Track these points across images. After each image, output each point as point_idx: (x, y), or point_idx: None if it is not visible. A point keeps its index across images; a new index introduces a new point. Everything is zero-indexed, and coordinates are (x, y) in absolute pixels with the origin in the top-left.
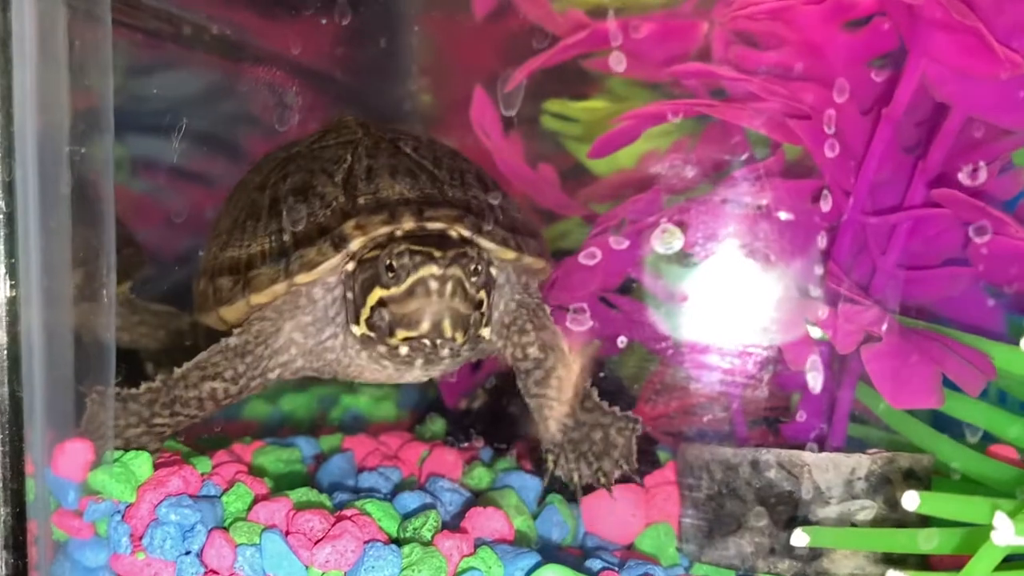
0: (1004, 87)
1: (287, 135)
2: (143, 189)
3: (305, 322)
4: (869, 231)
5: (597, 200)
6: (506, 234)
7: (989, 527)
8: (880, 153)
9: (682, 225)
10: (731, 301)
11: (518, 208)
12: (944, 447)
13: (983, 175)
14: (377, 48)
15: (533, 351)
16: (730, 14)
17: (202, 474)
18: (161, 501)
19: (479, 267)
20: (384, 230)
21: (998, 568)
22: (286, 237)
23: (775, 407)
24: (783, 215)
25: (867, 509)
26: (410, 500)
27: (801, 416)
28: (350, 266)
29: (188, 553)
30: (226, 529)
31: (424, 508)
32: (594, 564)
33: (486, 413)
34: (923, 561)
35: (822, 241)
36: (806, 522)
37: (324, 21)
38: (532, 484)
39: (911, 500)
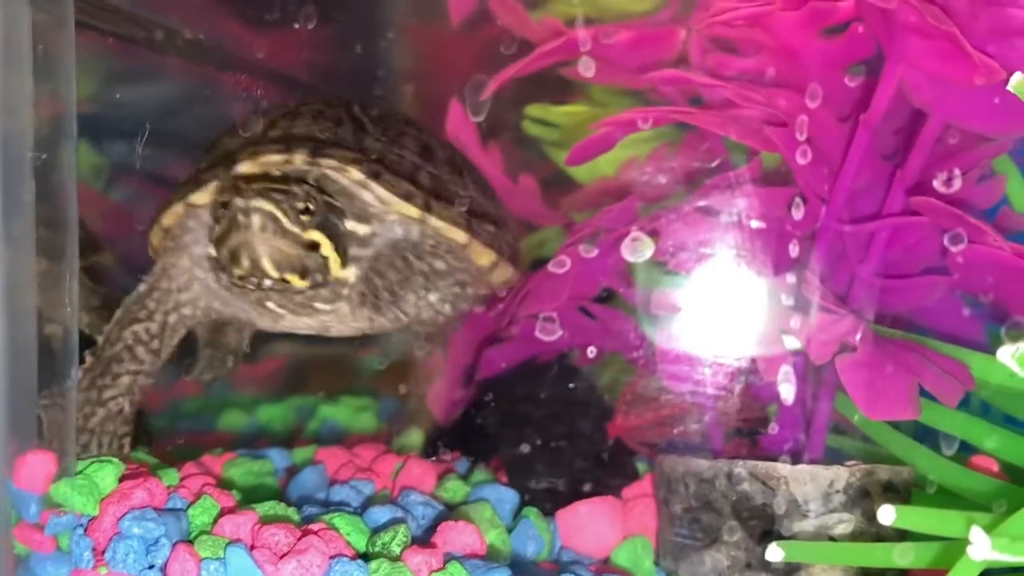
0: (981, 93)
1: None
2: (116, 196)
3: (198, 254)
4: (847, 239)
5: (578, 208)
6: (415, 190)
7: (966, 541)
8: (858, 160)
9: (656, 234)
10: (706, 311)
11: (488, 196)
12: (924, 459)
13: (958, 183)
14: (355, 56)
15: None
16: (707, 20)
17: (168, 487)
18: (124, 514)
19: (309, 205)
20: (275, 158)
21: None
22: (202, 164)
23: (752, 418)
24: (758, 223)
25: (845, 523)
26: (380, 514)
27: (776, 428)
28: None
29: (152, 567)
30: (191, 543)
31: (394, 522)
32: None
33: (462, 425)
34: (902, 574)
35: (797, 250)
36: (783, 536)
37: (298, 27)
38: (508, 497)
39: (887, 514)
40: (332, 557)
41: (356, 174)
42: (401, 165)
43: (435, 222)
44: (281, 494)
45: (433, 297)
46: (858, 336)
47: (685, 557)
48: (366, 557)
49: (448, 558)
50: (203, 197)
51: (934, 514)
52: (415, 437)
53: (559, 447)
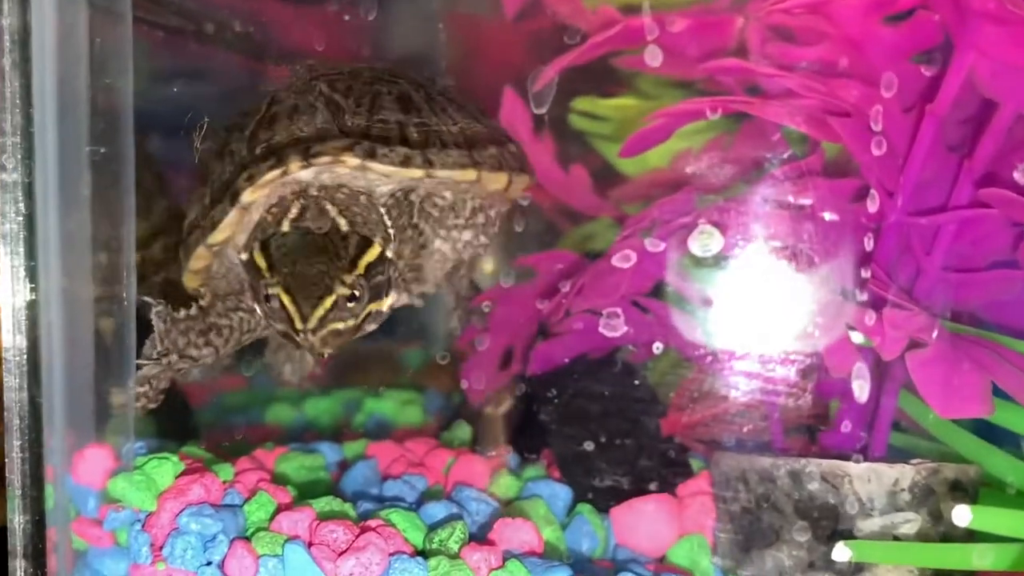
0: None
1: None
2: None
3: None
4: (913, 232)
5: (627, 201)
6: (411, 152)
7: None
8: (924, 151)
9: (716, 226)
10: (768, 305)
11: (479, 116)
12: (991, 457)
13: None
14: (403, 47)
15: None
16: (766, 8)
17: (224, 482)
18: (182, 510)
19: (356, 292)
20: (272, 175)
21: None
22: (207, 201)
23: (813, 415)
24: (822, 216)
25: (911, 522)
26: (436, 510)
27: (846, 426)
28: (243, 256)
29: (209, 564)
30: (248, 539)
31: (451, 519)
32: None
33: (515, 420)
34: None
35: (864, 243)
36: (847, 535)
37: (348, 18)
38: (561, 493)
39: (962, 515)
40: (391, 554)
41: (352, 160)
42: (388, 131)
43: (441, 173)
44: (335, 489)
45: (467, 235)
46: (934, 333)
47: (745, 556)
48: (423, 554)
49: (507, 556)
50: (219, 236)
51: (1013, 515)
52: (463, 430)
53: (613, 443)
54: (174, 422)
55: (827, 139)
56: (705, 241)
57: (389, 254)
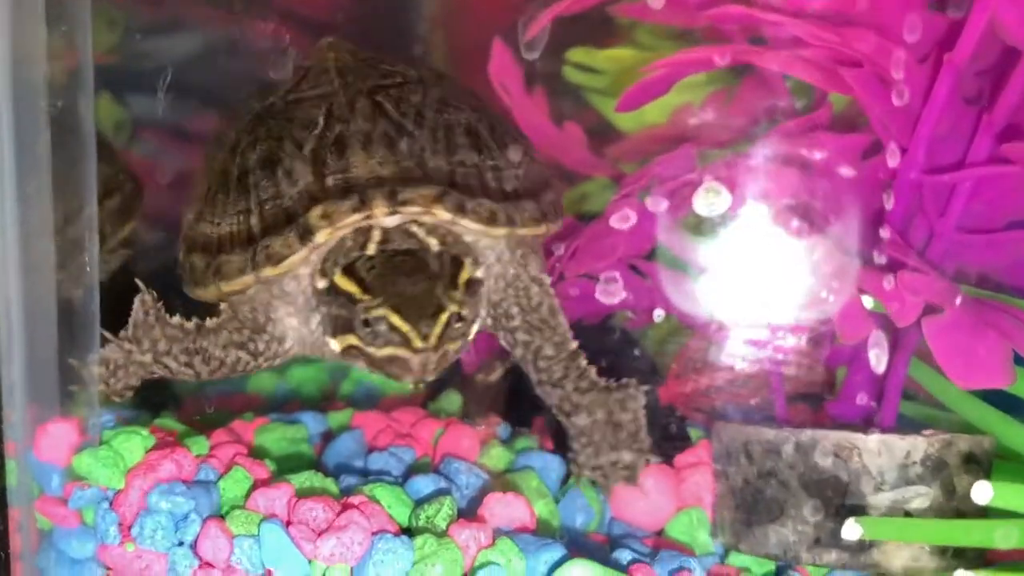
0: None
1: None
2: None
3: (283, 313)
4: (926, 191)
5: (625, 159)
6: (495, 206)
7: None
8: (941, 104)
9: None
10: (772, 268)
11: (524, 153)
12: (1007, 428)
13: None
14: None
15: (522, 336)
16: None
17: (197, 456)
18: (151, 488)
19: (464, 313)
20: (353, 218)
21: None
22: (253, 221)
23: (819, 384)
24: (831, 173)
25: (922, 496)
26: (423, 484)
27: (861, 398)
28: (321, 283)
29: (181, 544)
30: (222, 518)
31: (438, 493)
32: (623, 555)
33: (505, 389)
34: (981, 553)
35: (875, 203)
36: (856, 511)
37: None
38: (554, 464)
39: (983, 492)
40: (374, 533)
41: (443, 213)
42: (469, 177)
43: (522, 231)
44: (317, 462)
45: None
46: (957, 299)
47: (746, 531)
48: (410, 532)
49: (497, 533)
50: (278, 271)
51: None
52: (453, 400)
53: None
54: (147, 391)
55: (837, 91)
56: (711, 199)
57: (480, 275)
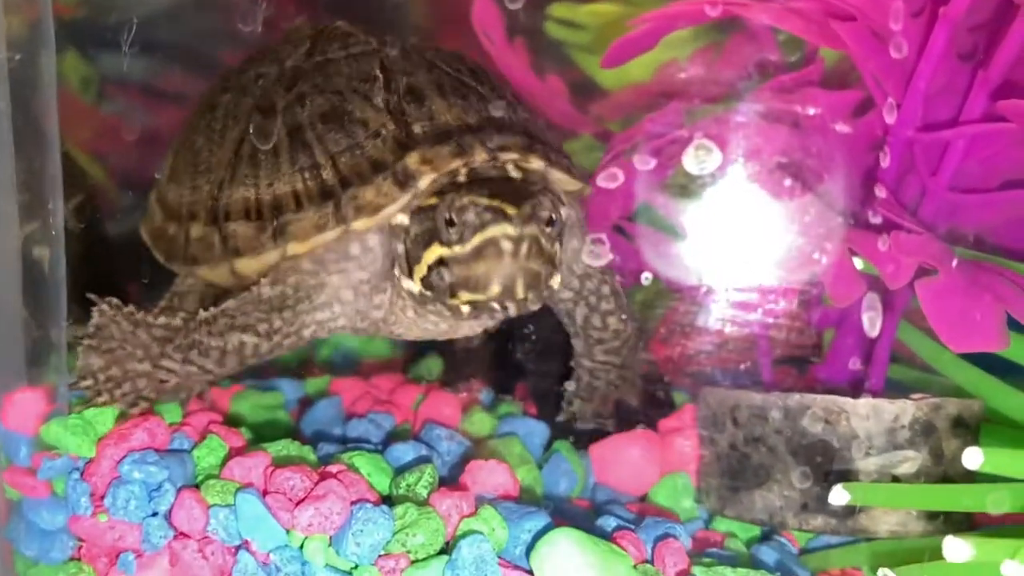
0: None
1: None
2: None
3: (357, 279)
4: (918, 149)
5: (609, 116)
6: (567, 161)
7: None
8: (936, 59)
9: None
10: (759, 229)
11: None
12: (996, 391)
13: None
14: None
15: (614, 322)
16: None
17: (171, 425)
18: (124, 457)
19: (554, 216)
20: (455, 164)
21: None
22: (326, 174)
23: (806, 347)
24: (821, 130)
25: (911, 460)
26: (403, 451)
27: (854, 363)
28: (403, 219)
29: (155, 515)
30: (197, 488)
31: (419, 461)
32: (608, 522)
33: (488, 355)
34: (968, 517)
35: (868, 161)
36: (843, 475)
37: None
38: (538, 430)
39: (973, 458)
40: (354, 503)
41: (537, 161)
42: (537, 131)
43: (588, 190)
44: (294, 430)
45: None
46: (953, 261)
47: (732, 497)
48: (390, 501)
49: (480, 501)
50: (370, 222)
51: None
52: (433, 364)
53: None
54: None
55: (829, 45)
56: (702, 157)
57: (564, 214)
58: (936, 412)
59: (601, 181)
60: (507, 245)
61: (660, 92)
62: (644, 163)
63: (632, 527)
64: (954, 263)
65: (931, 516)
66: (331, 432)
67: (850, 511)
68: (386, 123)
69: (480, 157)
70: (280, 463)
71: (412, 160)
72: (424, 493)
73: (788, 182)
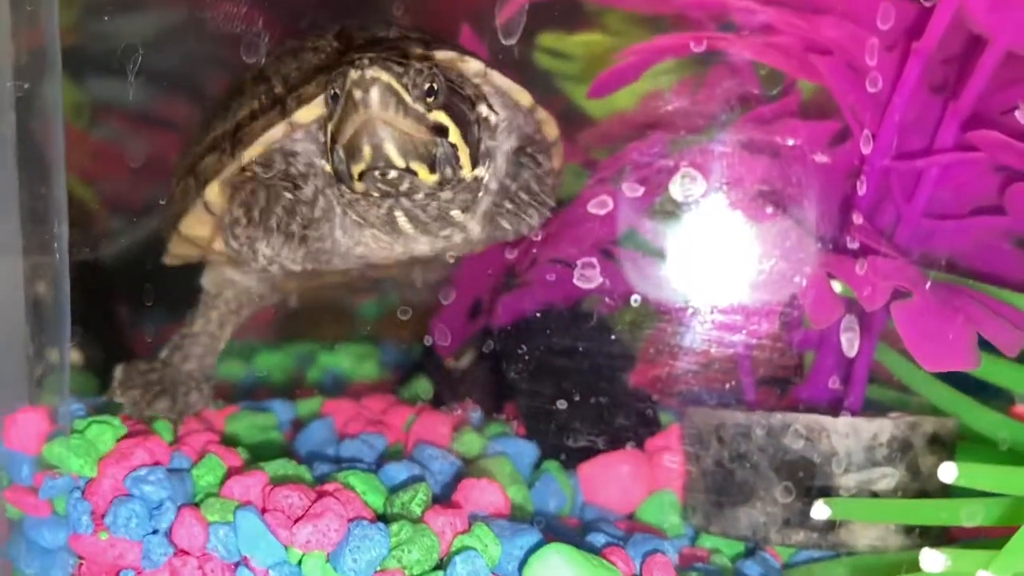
0: None
1: None
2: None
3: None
4: (893, 177)
5: (594, 144)
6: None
7: None
8: (909, 91)
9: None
10: (741, 253)
11: None
12: (969, 410)
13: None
14: None
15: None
16: None
17: (169, 444)
18: (125, 476)
19: (433, 85)
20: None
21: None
22: (277, 89)
23: (787, 367)
24: (800, 160)
25: (888, 477)
26: (397, 471)
27: (833, 381)
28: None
29: (155, 532)
30: (197, 506)
31: (412, 480)
32: (597, 539)
33: (477, 375)
34: (944, 531)
35: (844, 189)
36: (824, 491)
37: None
38: (527, 450)
39: (948, 472)
40: (351, 520)
41: (475, 64)
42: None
43: (539, 113)
44: (288, 449)
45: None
46: (927, 284)
47: (717, 513)
48: (385, 519)
49: (473, 519)
50: (307, 113)
51: (1001, 472)
52: (424, 385)
53: (580, 398)
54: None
55: (807, 78)
56: (687, 185)
57: (490, 118)
58: (913, 430)
59: (591, 208)
60: (358, 94)
61: (644, 121)
62: (633, 191)
63: (621, 543)
64: (927, 286)
65: (909, 530)
66: (325, 452)
67: (831, 526)
68: (335, 49)
69: (417, 52)
70: (277, 482)
71: (348, 59)
72: (418, 511)
73: (768, 209)
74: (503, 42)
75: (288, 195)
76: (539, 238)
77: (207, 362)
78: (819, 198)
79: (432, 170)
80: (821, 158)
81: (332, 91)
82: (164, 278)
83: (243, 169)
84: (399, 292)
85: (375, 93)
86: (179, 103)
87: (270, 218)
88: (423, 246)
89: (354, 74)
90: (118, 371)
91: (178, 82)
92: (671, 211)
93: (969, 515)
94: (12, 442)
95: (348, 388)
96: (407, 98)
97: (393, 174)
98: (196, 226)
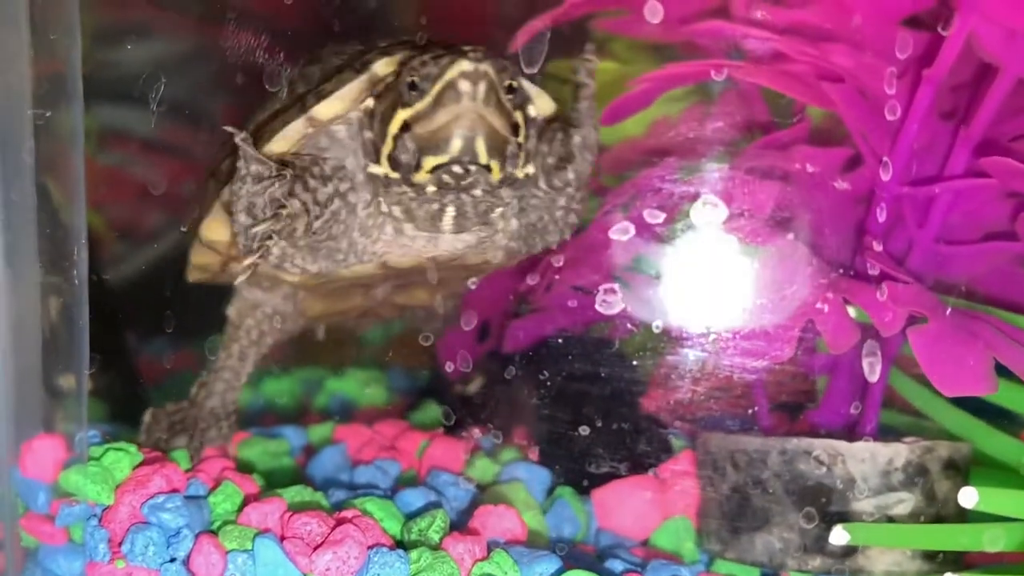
0: None
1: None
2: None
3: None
4: (905, 203)
5: (605, 171)
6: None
7: None
8: (920, 118)
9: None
10: (755, 279)
11: None
12: (983, 435)
13: None
14: (368, 13)
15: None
16: None
17: (185, 472)
18: (142, 503)
19: (514, 83)
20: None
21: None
22: (300, 88)
23: (799, 392)
24: (811, 186)
25: (904, 502)
26: (413, 497)
27: (856, 407)
28: (369, 102)
29: (173, 560)
30: (215, 533)
31: (429, 506)
32: (615, 565)
33: (490, 401)
34: (960, 556)
35: (857, 215)
36: (840, 517)
37: None
38: (540, 476)
39: (968, 497)
40: (370, 547)
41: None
42: None
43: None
44: (301, 476)
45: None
46: (947, 310)
47: (733, 539)
48: (403, 545)
49: (491, 545)
50: (326, 109)
51: (1021, 496)
52: (432, 411)
53: (593, 423)
54: (127, 407)
55: (819, 105)
56: (708, 212)
57: (537, 118)
58: (928, 455)
59: (613, 234)
60: (464, 85)
61: (653, 148)
62: (653, 217)
63: (639, 570)
64: (947, 312)
65: (926, 555)
66: (339, 478)
67: (848, 552)
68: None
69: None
70: (294, 508)
71: (372, 55)
72: (436, 538)
73: (782, 235)
74: (524, 71)
75: (301, 188)
76: (551, 263)
77: (229, 398)
78: (832, 224)
79: (502, 167)
80: (842, 185)
81: (410, 79)
82: (175, 303)
83: None
84: (409, 317)
85: (482, 87)
86: (185, 130)
87: (279, 209)
88: (445, 246)
89: (467, 65)
90: (147, 416)
91: (190, 110)
92: (684, 237)
93: (992, 540)
94: (28, 470)
95: (357, 414)
96: (502, 95)
97: (473, 169)
98: (216, 229)
